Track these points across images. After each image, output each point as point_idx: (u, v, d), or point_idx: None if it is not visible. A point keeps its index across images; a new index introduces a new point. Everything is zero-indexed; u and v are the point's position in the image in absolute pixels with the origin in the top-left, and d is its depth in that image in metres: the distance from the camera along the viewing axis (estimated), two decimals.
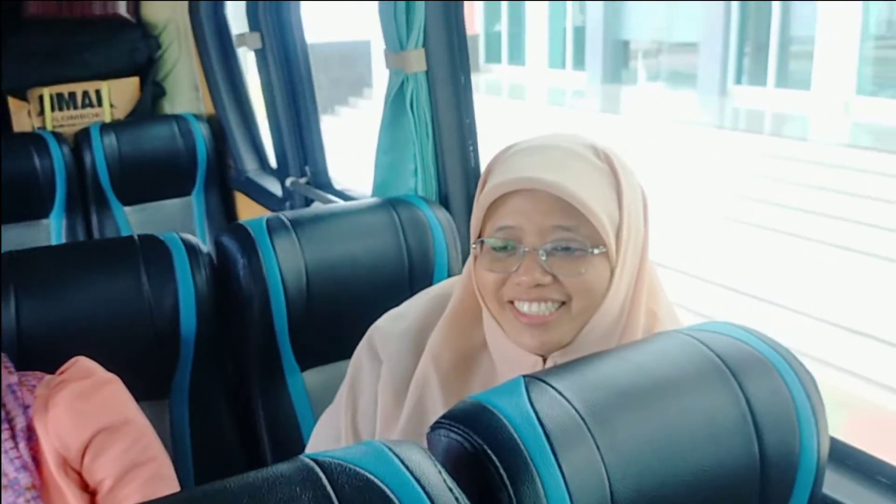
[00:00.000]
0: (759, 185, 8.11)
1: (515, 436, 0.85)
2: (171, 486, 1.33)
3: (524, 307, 1.03)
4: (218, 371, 1.59)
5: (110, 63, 3.21)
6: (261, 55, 2.71)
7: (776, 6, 11.49)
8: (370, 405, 1.18)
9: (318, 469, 0.77)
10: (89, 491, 1.29)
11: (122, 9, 3.25)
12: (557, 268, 1.01)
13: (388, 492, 0.76)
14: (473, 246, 1.07)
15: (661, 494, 0.88)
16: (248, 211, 3.06)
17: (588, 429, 0.87)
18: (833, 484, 1.04)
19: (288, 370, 1.61)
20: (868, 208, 7.24)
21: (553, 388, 0.91)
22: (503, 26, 16.02)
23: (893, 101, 9.98)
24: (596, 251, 1.01)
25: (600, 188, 1.02)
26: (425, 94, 1.78)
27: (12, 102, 3.13)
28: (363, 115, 13.26)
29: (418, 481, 0.77)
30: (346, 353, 1.60)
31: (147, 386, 1.50)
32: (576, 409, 0.88)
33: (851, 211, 7.29)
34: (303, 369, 1.63)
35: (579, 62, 14.69)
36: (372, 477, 0.77)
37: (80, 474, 1.29)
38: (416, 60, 1.76)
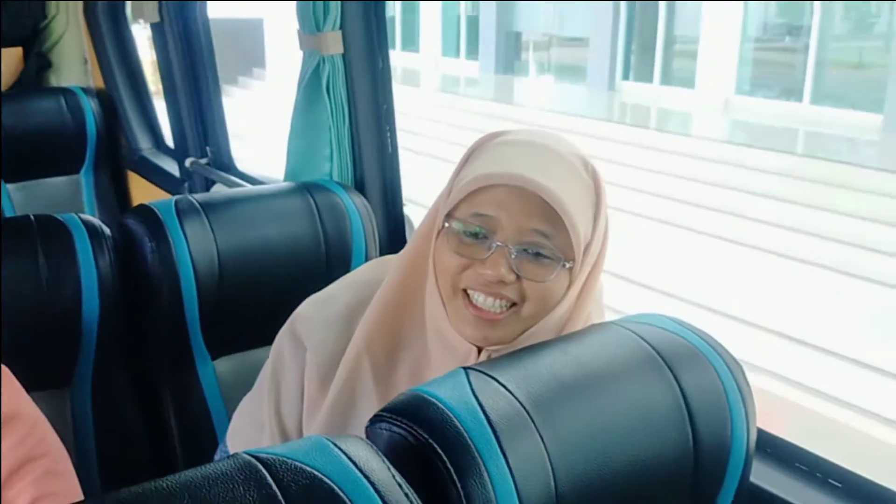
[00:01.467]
0: (642, 177, 8.38)
1: (462, 429, 0.83)
2: (68, 481, 1.25)
3: (478, 299, 1.01)
4: (123, 359, 1.51)
5: None
6: (158, 29, 2.58)
7: (662, 6, 11.85)
8: (294, 392, 1.14)
9: (260, 466, 0.73)
10: None
11: None
12: (524, 270, 1.00)
13: (336, 489, 0.73)
14: (445, 224, 1.03)
15: (602, 484, 0.88)
16: (143, 192, 2.92)
17: (532, 421, 0.86)
18: (756, 471, 1.06)
19: (199, 358, 1.54)
20: (743, 201, 7.60)
21: (496, 380, 0.90)
22: (396, 12, 15.91)
23: (767, 100, 10.48)
24: (567, 265, 1.00)
25: (583, 202, 1.02)
26: (342, 78, 1.73)
27: None
28: (254, 96, 12.96)
29: (367, 477, 0.75)
30: (259, 340, 1.57)
31: (46, 375, 1.42)
32: (519, 402, 0.87)
33: (724, 202, 7.64)
34: (214, 357, 1.57)
35: (473, 52, 14.77)
36: (318, 474, 0.74)
37: None
38: (333, 42, 1.70)
